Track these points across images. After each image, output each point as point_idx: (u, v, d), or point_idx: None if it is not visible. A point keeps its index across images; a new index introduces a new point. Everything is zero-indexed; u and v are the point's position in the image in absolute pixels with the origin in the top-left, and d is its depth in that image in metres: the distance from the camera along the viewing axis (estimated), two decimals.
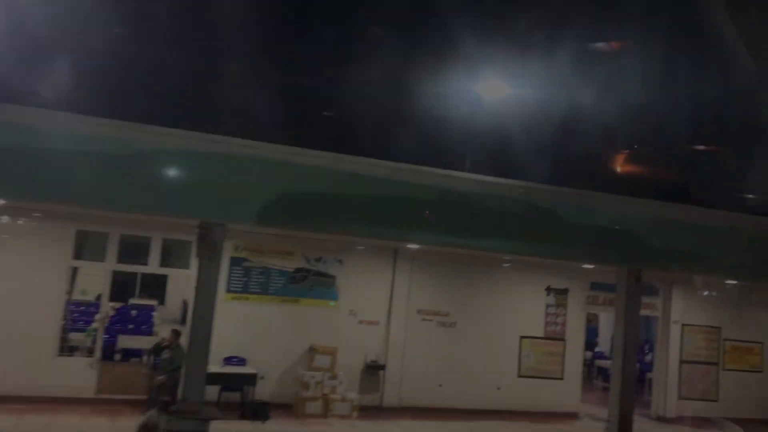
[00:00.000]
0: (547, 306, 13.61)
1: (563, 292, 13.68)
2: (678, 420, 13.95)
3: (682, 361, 14.35)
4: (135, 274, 15.65)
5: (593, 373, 19.11)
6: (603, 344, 20.80)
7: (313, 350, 11.78)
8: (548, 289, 13.62)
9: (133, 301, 15.04)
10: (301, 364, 11.83)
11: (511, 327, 13.29)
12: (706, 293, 14.59)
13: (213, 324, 6.08)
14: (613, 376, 11.15)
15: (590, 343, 20.33)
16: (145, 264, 11.62)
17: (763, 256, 10.78)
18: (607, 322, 20.92)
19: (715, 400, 14.52)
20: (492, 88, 8.27)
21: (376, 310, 12.52)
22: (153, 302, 15.23)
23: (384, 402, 12.35)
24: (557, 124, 8.12)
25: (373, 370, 12.33)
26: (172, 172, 5.97)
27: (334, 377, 11.60)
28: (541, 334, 13.49)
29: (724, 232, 9.18)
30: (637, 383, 17.30)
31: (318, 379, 11.45)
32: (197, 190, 5.92)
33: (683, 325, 14.43)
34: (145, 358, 11.46)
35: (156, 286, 17.34)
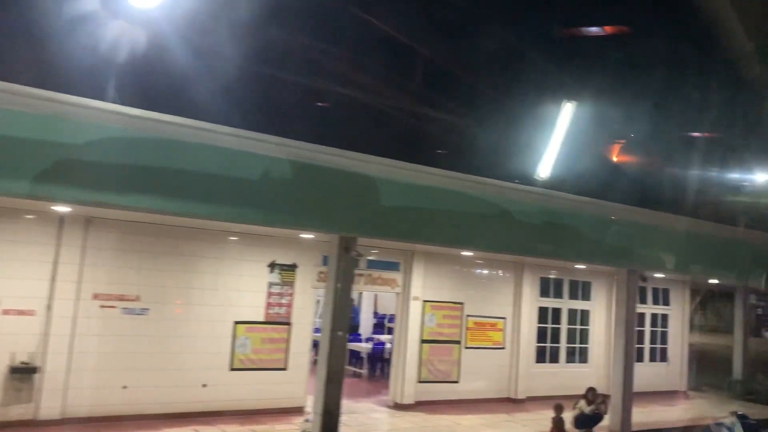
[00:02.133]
0: (270, 285, 11.54)
1: (290, 268, 11.71)
2: (416, 406, 12.77)
3: (423, 341, 13.20)
4: None
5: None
6: (372, 326, 19.57)
7: None
8: (272, 265, 11.56)
9: None
10: None
11: (223, 311, 11.01)
12: (448, 267, 13.60)
13: None
14: (319, 366, 9.35)
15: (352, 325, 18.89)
16: None
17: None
18: (369, 302, 19.67)
19: (456, 382, 13.62)
20: None
21: (31, 295, 9.47)
22: None
23: (40, 414, 9.39)
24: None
25: (24, 374, 9.30)
26: None
27: None
28: (262, 318, 11.40)
29: None
30: (373, 366, 16.18)
31: None
32: None
33: (425, 301, 13.28)
34: None
35: None
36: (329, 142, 8.70)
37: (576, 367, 15.64)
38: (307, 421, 9.14)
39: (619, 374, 12.35)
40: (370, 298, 19.11)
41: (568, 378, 14.97)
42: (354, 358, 16.49)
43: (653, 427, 12.92)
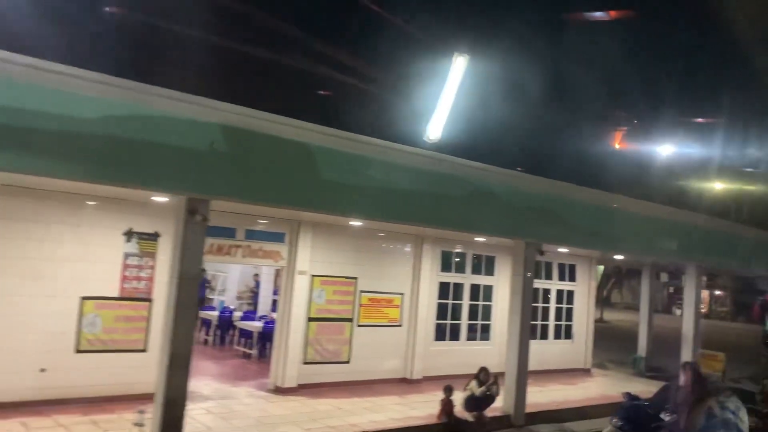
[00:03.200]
0: (127, 256, 10.15)
1: (152, 238, 10.34)
2: (299, 389, 11.73)
3: (310, 319, 12.15)
4: None
5: (228, 337, 16.50)
6: (272, 303, 18.33)
7: None
8: (129, 234, 10.16)
9: None
10: None
11: (67, 285, 9.56)
12: (340, 239, 12.55)
13: None
14: (161, 349, 8.13)
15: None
16: None
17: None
18: (269, 277, 18.43)
19: (347, 362, 12.66)
20: None
21: None
22: None
23: None
24: None
25: None
26: None
27: None
28: (116, 294, 10.02)
29: None
30: (265, 347, 15.05)
31: None
32: None
33: (313, 276, 12.20)
34: None
35: None
36: (173, 85, 7.43)
37: (478, 345, 15.00)
38: (141, 412, 7.90)
39: (514, 352, 11.71)
40: (271, 273, 17.86)
41: (469, 356, 14.27)
42: (244, 338, 15.31)
43: (549, 408, 12.36)
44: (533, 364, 16.02)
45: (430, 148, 10.27)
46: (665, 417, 10.12)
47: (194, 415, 9.57)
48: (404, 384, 13.30)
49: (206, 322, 16.74)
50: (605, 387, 15.24)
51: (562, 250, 15.72)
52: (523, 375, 11.65)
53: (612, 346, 23.28)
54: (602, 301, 48.20)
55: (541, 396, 13.38)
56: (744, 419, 8.42)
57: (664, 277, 60.92)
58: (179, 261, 7.75)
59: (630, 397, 10.00)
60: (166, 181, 7.67)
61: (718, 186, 30.32)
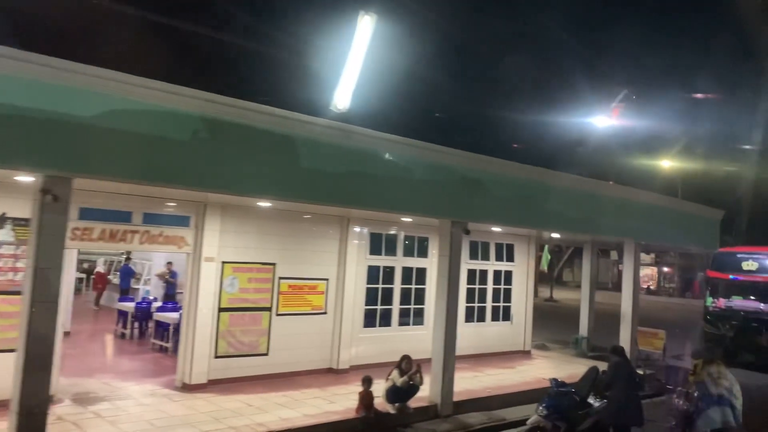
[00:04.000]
0: (1, 244, 9.02)
1: (28, 223, 9.20)
2: (210, 385, 10.81)
3: (221, 309, 11.20)
4: None
5: (147, 330, 15.43)
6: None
7: None
8: (2, 219, 9.02)
9: None
10: None
11: None
12: (254, 222, 11.60)
13: None
14: (17, 352, 7.10)
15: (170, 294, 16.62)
16: None
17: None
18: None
19: (265, 354, 11.78)
20: None
21: None
22: None
23: None
24: None
25: None
26: None
27: None
28: None
29: None
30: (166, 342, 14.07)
31: None
32: None
33: (223, 263, 11.23)
34: None
35: None
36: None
37: (411, 330, 14.28)
38: None
39: (440, 337, 11.01)
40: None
41: (402, 342, 13.51)
42: (161, 330, 14.26)
43: (480, 395, 11.74)
44: (470, 348, 15.54)
45: (337, 119, 9.38)
46: (594, 402, 9.58)
47: (79, 419, 8.57)
48: (330, 375, 12.50)
49: (123, 314, 15.59)
50: (543, 370, 14.73)
51: (496, 229, 15.11)
52: (450, 361, 10.96)
53: (560, 325, 22.94)
54: (553, 280, 48.46)
55: (474, 382, 12.78)
56: (738, 396, 7.85)
57: (614, 255, 61.64)
58: (34, 248, 6.71)
59: (556, 383, 9.42)
60: (19, 158, 6.61)
61: (659, 161, 30.34)
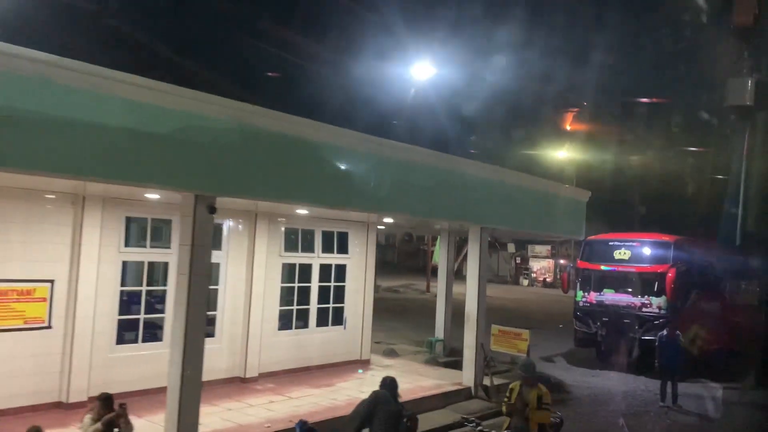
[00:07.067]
0: None
1: None
2: None
3: None
4: None
5: None
6: None
7: None
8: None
9: None
10: None
11: None
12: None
13: None
14: None
15: None
16: None
17: None
18: None
19: None
20: None
21: None
22: None
23: None
24: None
25: None
26: None
27: None
28: None
29: None
30: None
31: None
32: None
33: None
34: None
35: None
36: None
37: (210, 343, 10.95)
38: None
39: (177, 361, 7.79)
40: None
41: (149, 364, 10.22)
42: None
43: None
44: (287, 362, 12.47)
45: None
46: None
47: None
48: (55, 411, 9.03)
49: None
50: (369, 387, 11.81)
51: (309, 211, 12.03)
52: (191, 394, 7.77)
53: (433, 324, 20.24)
54: (452, 274, 46.50)
55: (259, 413, 9.66)
56: None
57: (511, 247, 60.30)
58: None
59: (302, 428, 6.41)
60: None
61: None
